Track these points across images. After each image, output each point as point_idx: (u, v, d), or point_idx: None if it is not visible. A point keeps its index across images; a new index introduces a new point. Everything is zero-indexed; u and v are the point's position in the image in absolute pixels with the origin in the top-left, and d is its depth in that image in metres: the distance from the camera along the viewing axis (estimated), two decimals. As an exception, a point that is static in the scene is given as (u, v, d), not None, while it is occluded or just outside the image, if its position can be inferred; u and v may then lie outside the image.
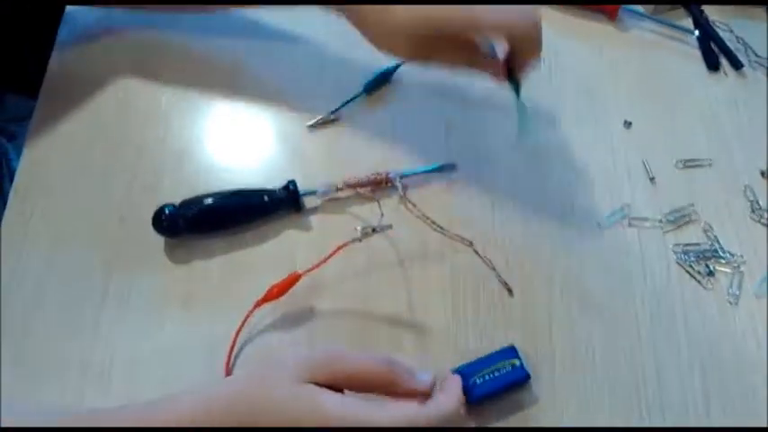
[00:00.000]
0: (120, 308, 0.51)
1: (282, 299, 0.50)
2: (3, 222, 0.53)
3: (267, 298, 0.50)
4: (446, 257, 0.54)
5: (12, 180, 0.56)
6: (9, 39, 0.76)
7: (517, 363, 0.48)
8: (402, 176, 0.57)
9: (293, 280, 0.50)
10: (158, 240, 0.53)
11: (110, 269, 0.52)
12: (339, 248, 0.49)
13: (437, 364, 0.49)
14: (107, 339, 0.49)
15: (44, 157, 0.57)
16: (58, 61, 0.62)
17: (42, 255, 0.52)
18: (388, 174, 0.56)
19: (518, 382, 0.48)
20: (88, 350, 0.49)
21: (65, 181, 0.56)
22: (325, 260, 0.49)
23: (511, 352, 0.49)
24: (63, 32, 0.63)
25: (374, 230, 0.49)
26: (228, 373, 0.48)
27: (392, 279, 0.53)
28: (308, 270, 0.50)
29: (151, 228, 0.52)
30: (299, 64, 0.63)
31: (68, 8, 0.65)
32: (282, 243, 0.54)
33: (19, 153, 0.57)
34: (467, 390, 0.47)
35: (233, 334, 0.49)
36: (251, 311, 0.50)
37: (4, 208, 0.55)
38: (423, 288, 0.53)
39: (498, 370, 0.48)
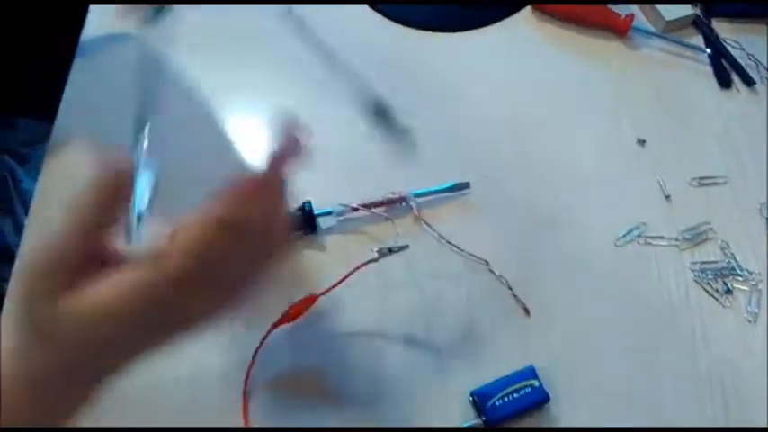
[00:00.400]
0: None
1: (298, 321, 0.50)
2: (23, 238, 0.54)
3: (284, 320, 0.50)
4: (462, 277, 0.54)
5: (23, 201, 0.57)
6: (22, 64, 0.78)
7: (536, 383, 0.48)
8: (416, 196, 0.57)
9: (309, 301, 0.50)
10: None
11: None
12: (355, 270, 0.49)
13: (456, 384, 0.49)
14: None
15: (62, 173, 0.57)
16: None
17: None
18: (402, 194, 0.57)
19: (538, 403, 0.48)
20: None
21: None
22: (341, 281, 0.49)
23: (530, 373, 0.48)
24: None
25: (390, 251, 0.49)
26: (245, 395, 0.48)
27: (408, 299, 0.53)
28: (324, 291, 0.50)
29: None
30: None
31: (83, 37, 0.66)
32: (298, 264, 0.54)
33: (30, 175, 0.58)
34: (485, 411, 0.47)
35: (250, 356, 0.49)
36: (268, 332, 0.49)
37: (16, 227, 0.56)
38: (439, 308, 0.52)
39: (517, 391, 0.48)
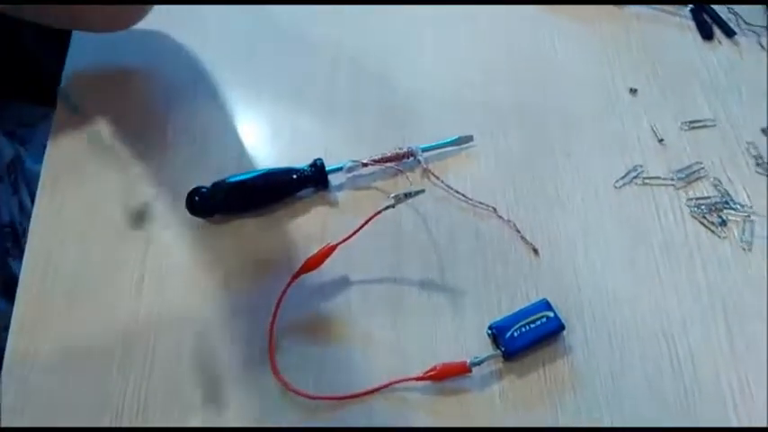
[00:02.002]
0: (158, 290, 0.52)
1: (317, 271, 0.52)
2: (33, 216, 0.55)
3: (304, 269, 0.52)
4: (471, 223, 0.56)
5: (27, 182, 0.58)
6: (12, 46, 0.78)
7: (551, 314, 0.50)
8: (423, 150, 0.59)
9: (328, 251, 0.52)
10: (192, 222, 0.55)
11: (144, 253, 0.54)
12: (373, 217, 0.51)
13: (473, 322, 0.51)
14: (147, 324, 0.51)
15: (70, 147, 0.59)
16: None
17: (76, 244, 0.54)
18: (410, 148, 0.59)
19: (553, 332, 0.50)
20: (129, 337, 0.50)
21: (93, 169, 0.58)
22: (358, 230, 0.51)
23: (544, 305, 0.51)
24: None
25: (407, 196, 0.51)
26: (272, 345, 0.50)
27: (421, 247, 0.55)
28: (343, 240, 0.51)
29: (184, 210, 0.54)
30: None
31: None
32: (312, 219, 0.56)
33: (31, 156, 0.59)
34: (504, 342, 0.49)
35: (273, 307, 0.51)
36: (289, 283, 0.51)
37: (22, 208, 0.57)
38: (451, 253, 0.55)
39: (533, 322, 0.50)
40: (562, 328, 0.50)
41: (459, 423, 0.47)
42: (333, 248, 0.52)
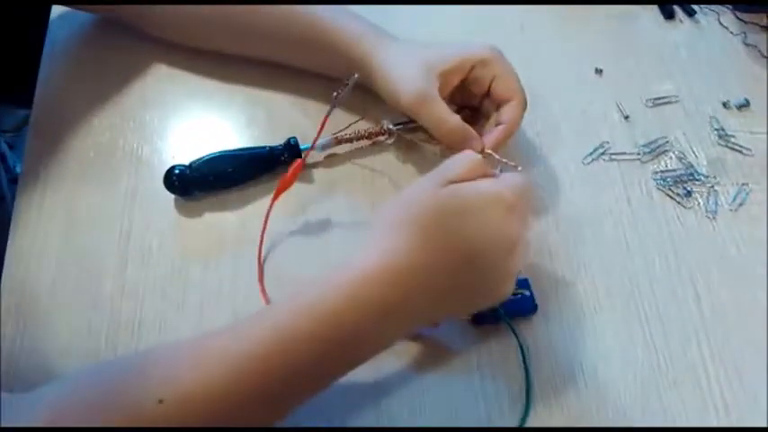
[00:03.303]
0: (142, 268, 0.53)
1: (299, 209, 0.55)
2: (15, 207, 0.56)
3: (281, 189, 0.53)
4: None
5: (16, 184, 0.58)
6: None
7: (527, 293, 0.51)
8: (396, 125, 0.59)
9: (298, 166, 0.54)
10: (170, 200, 0.56)
11: (128, 233, 0.55)
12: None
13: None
14: (134, 299, 0.52)
15: (50, 137, 0.59)
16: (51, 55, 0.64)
17: (59, 231, 0.55)
18: (383, 125, 0.59)
19: (526, 311, 0.51)
20: (117, 313, 0.51)
21: (73, 158, 0.58)
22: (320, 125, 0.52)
23: (524, 283, 0.52)
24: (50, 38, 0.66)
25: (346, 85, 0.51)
26: (261, 270, 0.53)
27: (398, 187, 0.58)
28: (311, 148, 0.55)
29: (162, 191, 0.55)
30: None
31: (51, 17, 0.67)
32: (289, 195, 0.56)
33: (20, 160, 0.59)
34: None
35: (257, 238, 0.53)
36: (270, 207, 0.53)
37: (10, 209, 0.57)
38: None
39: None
40: (535, 308, 0.51)
41: (423, 370, 0.50)
42: (301, 163, 0.54)
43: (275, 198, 0.53)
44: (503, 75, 0.54)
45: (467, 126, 0.54)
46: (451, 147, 0.54)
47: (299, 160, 0.54)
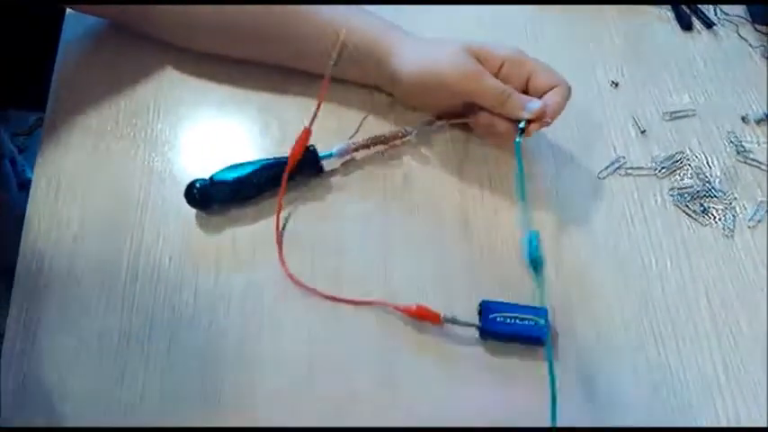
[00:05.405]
0: (151, 281, 0.53)
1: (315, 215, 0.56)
2: (28, 209, 0.56)
3: (292, 160, 0.55)
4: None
5: (27, 189, 0.58)
6: (9, 56, 0.78)
7: (542, 322, 0.50)
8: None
9: (304, 137, 0.55)
10: (183, 209, 0.55)
11: (140, 243, 0.54)
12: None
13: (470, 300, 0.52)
14: (143, 312, 0.52)
15: (64, 141, 0.59)
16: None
17: (72, 236, 0.55)
18: (401, 129, 0.59)
19: (533, 338, 0.50)
20: (127, 322, 0.51)
21: (87, 165, 0.58)
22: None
23: (542, 312, 0.50)
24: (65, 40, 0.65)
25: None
26: (279, 244, 0.54)
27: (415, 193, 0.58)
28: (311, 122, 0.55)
29: (175, 200, 0.55)
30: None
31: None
32: (306, 201, 0.57)
33: (30, 163, 0.59)
34: (485, 320, 0.50)
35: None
36: (285, 182, 0.54)
37: (22, 214, 0.57)
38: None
39: (522, 320, 0.50)
40: (542, 342, 0.50)
41: (426, 363, 0.50)
42: (308, 131, 0.55)
43: (287, 170, 0.54)
44: (539, 70, 0.54)
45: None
46: (509, 114, 0.53)
47: (305, 128, 0.55)
